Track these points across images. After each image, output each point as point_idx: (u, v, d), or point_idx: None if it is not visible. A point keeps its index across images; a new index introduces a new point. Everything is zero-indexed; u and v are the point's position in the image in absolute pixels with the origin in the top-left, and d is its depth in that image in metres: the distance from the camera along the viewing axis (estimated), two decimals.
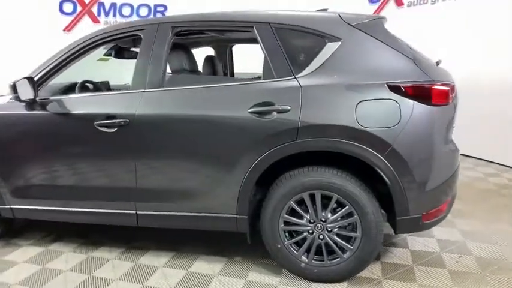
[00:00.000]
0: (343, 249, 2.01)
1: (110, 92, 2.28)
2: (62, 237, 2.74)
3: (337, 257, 2.02)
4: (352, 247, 1.98)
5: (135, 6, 6.27)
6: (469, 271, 2.15)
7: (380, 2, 5.45)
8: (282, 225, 2.05)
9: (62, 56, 2.30)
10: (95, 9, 6.11)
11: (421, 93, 1.83)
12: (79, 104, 2.26)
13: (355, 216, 1.94)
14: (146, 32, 2.22)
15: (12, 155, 2.35)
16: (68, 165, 2.29)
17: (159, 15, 6.42)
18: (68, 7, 5.98)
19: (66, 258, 2.46)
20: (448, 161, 1.96)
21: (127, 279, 2.19)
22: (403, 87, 1.83)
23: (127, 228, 2.40)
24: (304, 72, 1.97)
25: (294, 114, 1.89)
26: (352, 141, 1.85)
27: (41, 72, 2.30)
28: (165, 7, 6.33)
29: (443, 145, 1.91)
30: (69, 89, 2.67)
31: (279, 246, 2.07)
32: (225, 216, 2.12)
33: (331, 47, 1.96)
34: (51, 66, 2.31)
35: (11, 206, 2.44)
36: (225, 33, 2.54)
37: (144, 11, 6.35)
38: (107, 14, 6.19)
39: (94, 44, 2.30)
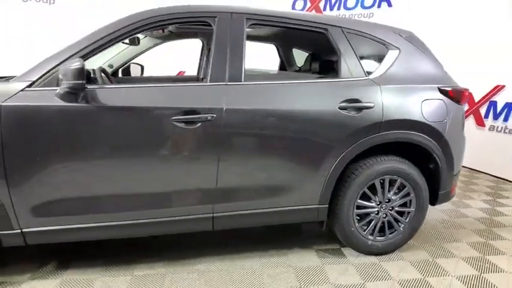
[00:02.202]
0: (398, 223, 2.41)
1: (182, 84, 1.98)
2: (67, 262, 2.20)
3: (395, 231, 2.41)
4: (406, 220, 2.40)
5: None
6: (460, 225, 2.91)
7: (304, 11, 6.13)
8: (355, 210, 2.30)
9: (112, 33, 1.88)
10: None
11: (457, 95, 2.38)
12: (145, 96, 1.90)
13: (412, 194, 2.37)
14: (218, 20, 2.06)
15: (43, 159, 1.77)
16: (129, 170, 1.89)
17: None
18: None
19: (106, 284, 2.02)
20: (464, 148, 2.60)
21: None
22: (448, 90, 2.35)
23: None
24: (376, 74, 2.26)
25: (377, 110, 2.16)
26: (420, 132, 2.25)
27: (81, 51, 1.83)
28: None
29: (464, 136, 2.53)
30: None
31: (352, 229, 2.31)
32: (308, 208, 2.21)
33: (393, 55, 2.32)
34: (96, 46, 1.86)
35: (23, 230, 1.84)
36: (291, 31, 2.48)
37: None
38: None
39: (154, 25, 1.97)
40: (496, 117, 4.49)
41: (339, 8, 5.90)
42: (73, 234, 1.93)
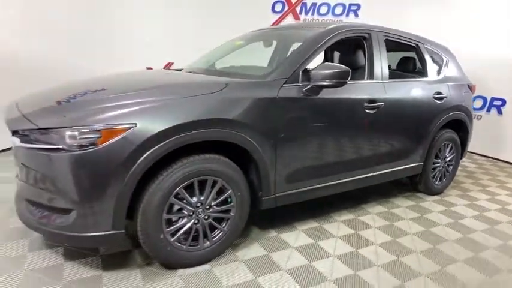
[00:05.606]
0: (447, 172, 3.71)
1: (361, 81, 2.78)
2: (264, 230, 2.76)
3: (445, 178, 3.71)
4: (451, 169, 3.74)
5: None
6: None
7: (281, 14, 7.00)
8: (432, 165, 3.50)
9: (329, 38, 2.59)
10: None
11: (472, 89, 3.81)
12: (348, 90, 2.63)
13: (455, 154, 3.70)
14: (371, 36, 2.90)
15: (296, 139, 2.36)
16: (339, 144, 2.62)
17: None
18: None
19: (297, 236, 2.70)
20: None
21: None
22: (470, 86, 3.74)
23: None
24: (441, 76, 3.47)
25: (449, 99, 3.38)
26: (461, 112, 3.58)
27: (312, 55, 2.47)
28: None
29: None
30: None
31: (430, 178, 3.52)
32: (414, 165, 3.30)
33: (445, 62, 3.58)
34: (320, 50, 2.54)
35: (276, 195, 2.40)
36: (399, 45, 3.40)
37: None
38: None
39: (346, 36, 2.73)
40: None
41: (312, 14, 7.01)
42: (306, 194, 2.57)
